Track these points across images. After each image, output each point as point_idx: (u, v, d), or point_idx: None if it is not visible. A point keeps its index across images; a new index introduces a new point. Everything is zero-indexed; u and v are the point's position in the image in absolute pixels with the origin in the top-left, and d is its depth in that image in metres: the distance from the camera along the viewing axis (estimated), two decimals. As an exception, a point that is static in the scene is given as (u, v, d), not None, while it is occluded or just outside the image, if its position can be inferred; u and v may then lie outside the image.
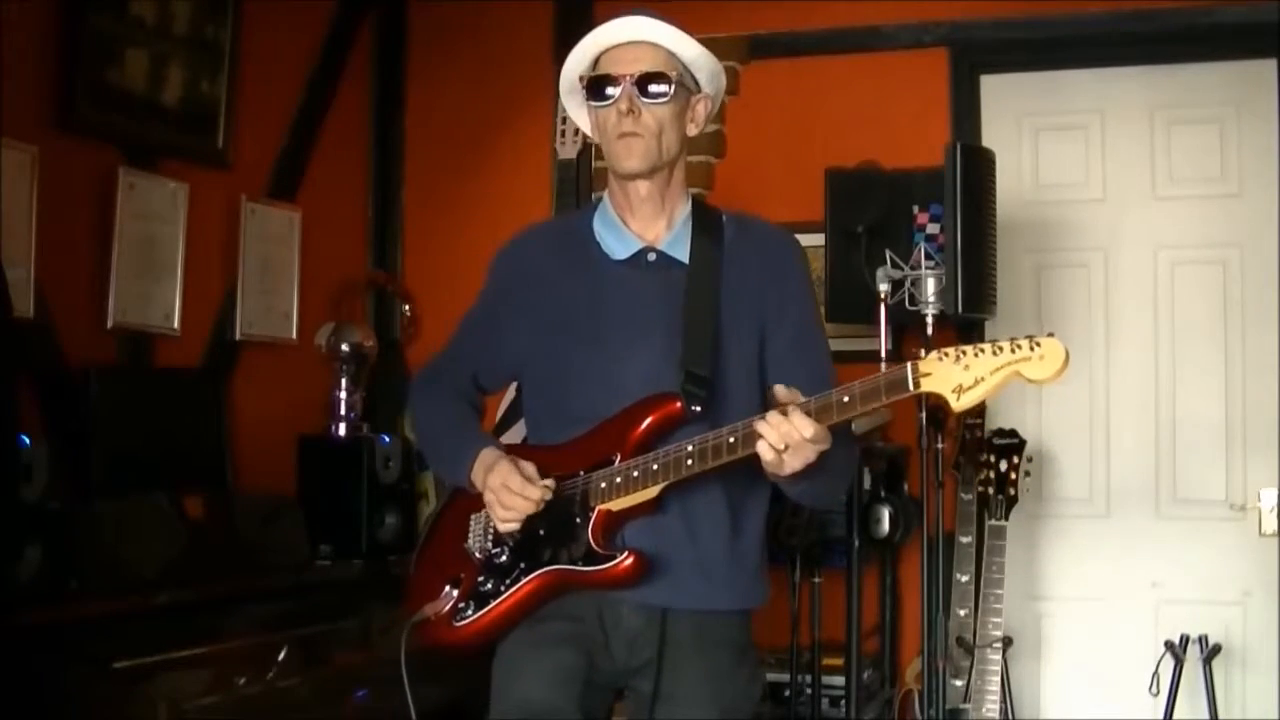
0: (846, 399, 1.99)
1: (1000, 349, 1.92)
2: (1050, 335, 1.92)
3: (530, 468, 2.19)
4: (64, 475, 3.09)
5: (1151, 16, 3.99)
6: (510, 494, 2.16)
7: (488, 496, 2.20)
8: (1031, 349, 1.91)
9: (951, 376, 1.92)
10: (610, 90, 2.20)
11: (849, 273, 3.63)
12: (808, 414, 1.99)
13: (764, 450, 2.02)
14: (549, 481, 2.18)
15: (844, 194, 3.72)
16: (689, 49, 2.22)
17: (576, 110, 2.33)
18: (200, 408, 3.71)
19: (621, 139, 2.20)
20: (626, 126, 2.19)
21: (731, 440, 2.06)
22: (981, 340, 1.99)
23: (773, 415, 2.00)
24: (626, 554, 2.14)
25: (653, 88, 2.18)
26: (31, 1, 3.31)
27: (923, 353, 1.97)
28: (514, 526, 2.20)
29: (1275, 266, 3.97)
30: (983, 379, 1.91)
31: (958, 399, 1.92)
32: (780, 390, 2.04)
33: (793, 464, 2.02)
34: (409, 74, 4.66)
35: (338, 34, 4.43)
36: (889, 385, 1.97)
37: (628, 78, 2.18)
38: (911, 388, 1.95)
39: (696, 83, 2.26)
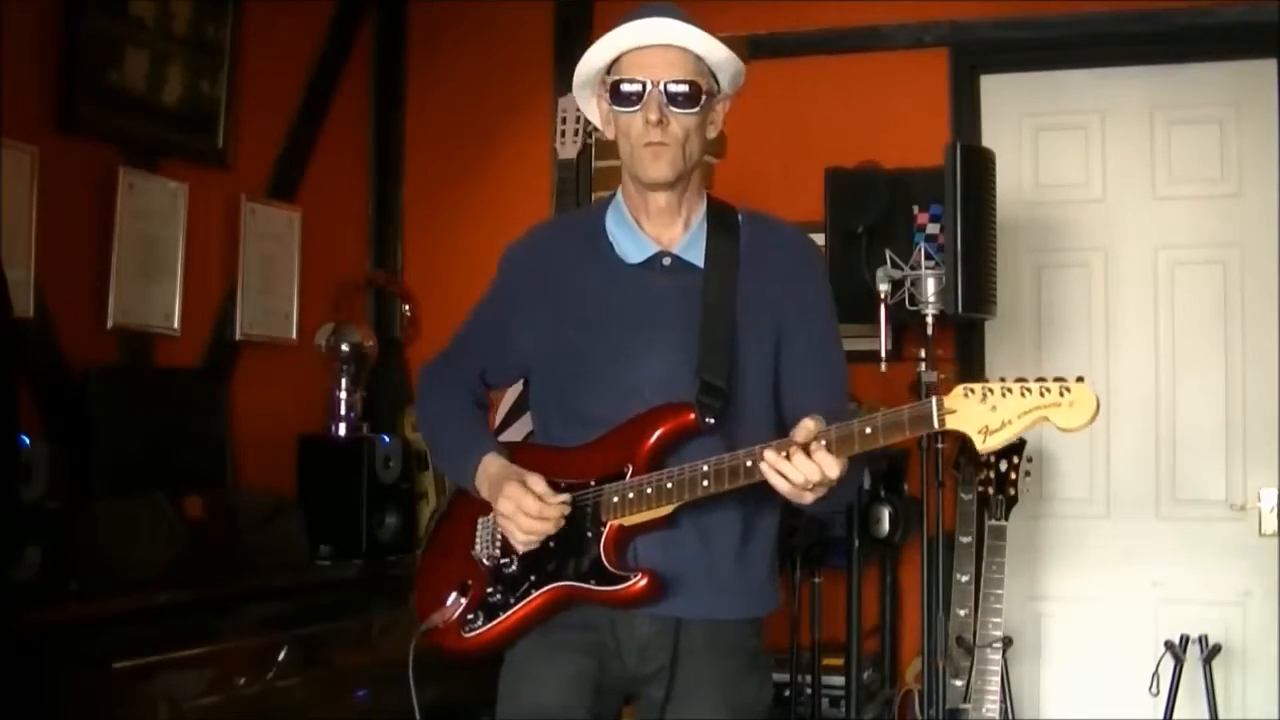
0: (869, 430, 1.94)
1: (1029, 390, 1.85)
2: (1080, 380, 1.86)
3: (540, 484, 2.13)
4: (64, 475, 3.08)
5: (1151, 16, 3.99)
6: (527, 519, 2.11)
7: (502, 521, 2.16)
8: (1061, 394, 1.84)
9: (978, 416, 1.87)
10: (636, 94, 2.12)
11: (849, 273, 3.62)
12: (828, 447, 1.95)
13: (783, 487, 1.98)
14: (564, 496, 2.13)
15: (844, 194, 3.71)
16: (717, 52, 2.15)
17: (585, 102, 2.27)
18: (200, 408, 3.71)
19: (649, 147, 2.13)
20: (654, 136, 2.12)
21: (749, 464, 2.01)
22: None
23: (796, 456, 1.96)
24: (640, 575, 2.10)
25: (683, 96, 2.11)
26: (31, 1, 3.30)
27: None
28: (533, 547, 2.16)
29: (1275, 266, 3.96)
30: (1010, 422, 1.85)
31: (984, 440, 1.87)
32: (808, 424, 1.98)
33: (814, 496, 2.00)
34: (409, 74, 4.66)
35: (338, 34, 4.43)
36: (913, 420, 1.91)
37: (657, 84, 2.11)
38: (936, 425, 1.89)
39: (717, 83, 2.19)
